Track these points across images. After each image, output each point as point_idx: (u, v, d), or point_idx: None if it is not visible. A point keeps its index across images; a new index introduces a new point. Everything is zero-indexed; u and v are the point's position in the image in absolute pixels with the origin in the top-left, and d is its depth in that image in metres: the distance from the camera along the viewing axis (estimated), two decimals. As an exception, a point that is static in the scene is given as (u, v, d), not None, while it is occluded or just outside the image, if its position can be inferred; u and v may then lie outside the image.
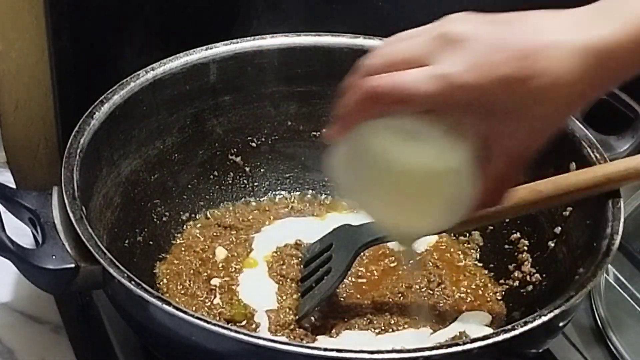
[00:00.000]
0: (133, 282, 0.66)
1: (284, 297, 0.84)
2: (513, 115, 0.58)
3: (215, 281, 0.85)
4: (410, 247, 0.74)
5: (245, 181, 0.97)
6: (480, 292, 0.87)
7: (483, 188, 0.62)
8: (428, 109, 0.59)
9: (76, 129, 0.79)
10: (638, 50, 0.56)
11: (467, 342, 0.64)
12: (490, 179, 0.62)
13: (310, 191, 0.98)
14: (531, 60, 0.56)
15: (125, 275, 0.66)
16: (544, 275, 0.84)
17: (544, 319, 0.66)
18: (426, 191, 0.63)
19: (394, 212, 0.66)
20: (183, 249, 0.89)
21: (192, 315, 0.64)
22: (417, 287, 0.86)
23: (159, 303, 0.64)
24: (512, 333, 0.64)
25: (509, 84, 0.56)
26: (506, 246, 0.89)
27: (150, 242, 0.87)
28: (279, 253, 0.89)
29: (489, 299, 0.86)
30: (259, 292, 0.84)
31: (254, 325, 0.81)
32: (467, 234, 0.92)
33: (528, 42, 0.56)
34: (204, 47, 0.89)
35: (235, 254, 0.89)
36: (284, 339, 0.79)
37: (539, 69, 0.56)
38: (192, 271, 0.87)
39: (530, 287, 0.85)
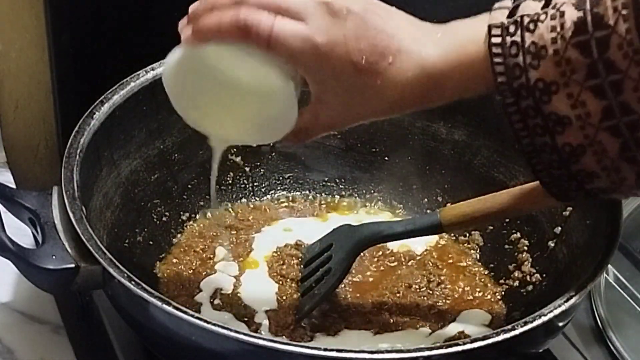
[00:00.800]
0: (133, 282, 0.66)
1: (284, 297, 0.84)
2: (345, 95, 0.64)
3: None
4: (222, 147, 0.79)
5: (245, 181, 0.97)
6: (480, 292, 0.87)
7: (293, 128, 0.68)
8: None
9: (76, 129, 0.79)
10: (458, 78, 0.62)
11: (467, 342, 0.64)
12: (298, 126, 0.68)
13: (311, 191, 0.98)
14: (385, 59, 0.62)
15: (125, 275, 0.66)
16: (544, 275, 0.84)
17: (544, 319, 0.66)
18: (248, 105, 0.68)
19: (215, 119, 0.72)
20: (183, 249, 0.89)
21: (192, 315, 0.64)
22: (417, 287, 0.86)
23: (159, 303, 0.64)
24: (512, 333, 0.65)
25: (358, 70, 0.62)
26: (506, 246, 0.89)
27: (150, 242, 0.87)
28: (279, 253, 0.89)
29: (488, 299, 0.86)
30: (259, 292, 0.85)
31: (254, 326, 0.81)
32: (467, 234, 0.93)
33: (386, 42, 0.62)
34: (204, 47, 0.89)
35: (236, 254, 0.89)
36: (284, 339, 0.79)
37: (387, 70, 0.62)
38: (192, 271, 0.87)
39: (530, 287, 0.84)
